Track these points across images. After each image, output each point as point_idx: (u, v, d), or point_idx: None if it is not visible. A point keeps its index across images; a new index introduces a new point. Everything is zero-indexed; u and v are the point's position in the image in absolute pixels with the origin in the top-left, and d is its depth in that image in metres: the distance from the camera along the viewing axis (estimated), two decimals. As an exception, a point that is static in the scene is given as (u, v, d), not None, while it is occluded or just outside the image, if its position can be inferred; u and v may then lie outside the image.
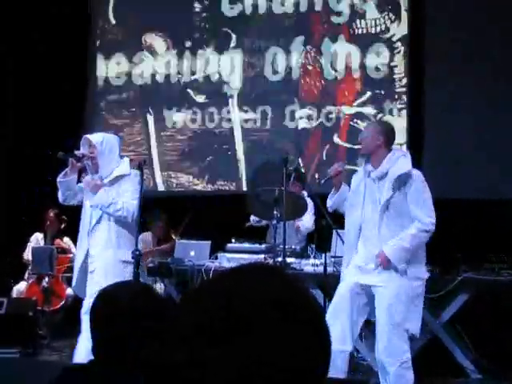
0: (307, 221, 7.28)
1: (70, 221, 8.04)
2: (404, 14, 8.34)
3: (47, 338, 7.24)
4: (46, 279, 7.62)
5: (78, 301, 7.61)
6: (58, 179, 5.51)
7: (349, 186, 5.19)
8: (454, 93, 8.01)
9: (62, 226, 8.13)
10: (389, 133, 5.13)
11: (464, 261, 6.56)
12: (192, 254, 6.96)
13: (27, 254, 8.02)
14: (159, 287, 7.33)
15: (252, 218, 7.31)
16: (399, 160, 4.96)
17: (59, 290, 7.78)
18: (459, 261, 6.55)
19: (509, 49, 7.82)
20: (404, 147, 7.95)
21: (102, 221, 5.48)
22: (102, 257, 5.41)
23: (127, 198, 5.44)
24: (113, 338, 2.15)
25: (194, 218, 8.07)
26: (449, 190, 7.72)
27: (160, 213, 8.26)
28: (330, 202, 5.28)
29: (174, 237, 8.07)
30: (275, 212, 6.18)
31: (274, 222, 6.38)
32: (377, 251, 4.85)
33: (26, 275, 7.97)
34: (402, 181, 4.87)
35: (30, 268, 7.87)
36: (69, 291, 7.79)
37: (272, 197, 6.24)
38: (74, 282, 5.66)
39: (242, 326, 1.04)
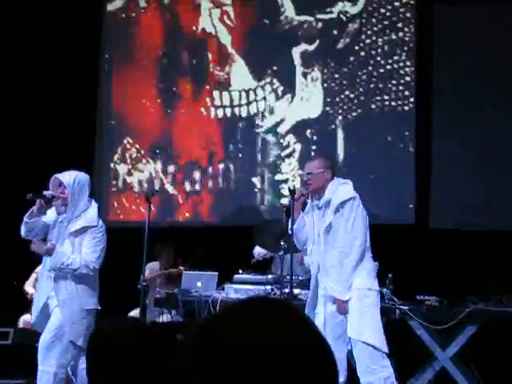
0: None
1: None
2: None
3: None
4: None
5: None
6: (25, 219, 5.36)
7: None
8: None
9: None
10: (334, 165, 5.46)
11: (472, 292, 6.54)
12: (199, 284, 6.94)
13: (28, 286, 8.00)
14: (165, 318, 7.31)
15: (256, 252, 7.30)
16: (339, 188, 5.20)
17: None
18: (468, 292, 6.53)
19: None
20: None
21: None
22: (66, 304, 5.33)
23: (87, 250, 5.34)
24: (110, 374, 2.14)
25: (202, 249, 8.10)
26: (455, 221, 7.73)
27: (167, 244, 8.26)
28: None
29: (181, 268, 8.07)
30: (282, 243, 6.20)
31: (281, 253, 6.38)
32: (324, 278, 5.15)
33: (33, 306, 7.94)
34: (341, 207, 5.13)
35: (32, 297, 7.85)
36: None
37: (279, 228, 6.25)
38: (34, 320, 5.59)
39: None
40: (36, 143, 8.89)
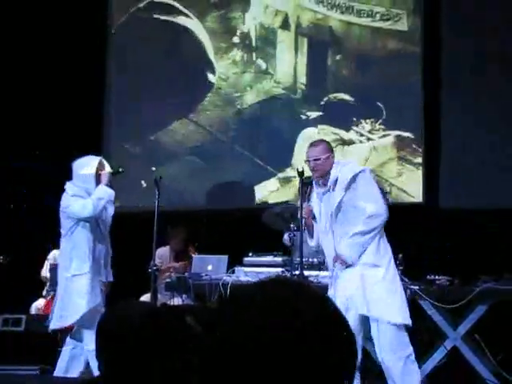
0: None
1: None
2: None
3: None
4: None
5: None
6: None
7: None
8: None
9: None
10: (331, 146, 5.47)
11: (483, 271, 6.53)
12: (209, 268, 6.96)
13: (45, 271, 8.05)
14: (176, 302, 7.33)
15: (285, 237, 7.32)
16: (345, 167, 5.27)
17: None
18: (478, 271, 6.53)
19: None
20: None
21: None
22: None
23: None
24: (120, 357, 2.15)
25: (211, 231, 8.11)
26: (467, 200, 7.70)
27: (179, 228, 8.25)
28: (313, 243, 5.53)
29: (191, 253, 8.06)
30: (292, 225, 6.20)
31: (292, 234, 6.38)
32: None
33: (44, 292, 7.99)
34: (352, 181, 5.16)
35: (47, 285, 7.89)
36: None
37: (289, 211, 6.27)
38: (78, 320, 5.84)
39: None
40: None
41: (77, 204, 5.81)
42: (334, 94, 8.65)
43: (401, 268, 6.35)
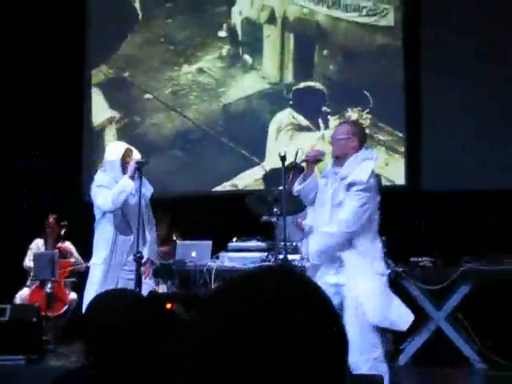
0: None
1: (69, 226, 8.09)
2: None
3: (52, 344, 7.24)
4: (49, 285, 7.62)
5: (81, 305, 7.66)
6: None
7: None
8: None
9: (62, 231, 8.12)
10: (361, 133, 5.11)
11: (466, 251, 6.58)
12: (193, 254, 6.97)
13: (28, 261, 8.02)
14: (162, 289, 7.34)
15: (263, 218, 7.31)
16: (359, 166, 4.91)
17: (62, 294, 7.77)
18: (461, 252, 6.57)
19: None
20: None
21: None
22: None
23: None
24: (108, 347, 2.15)
25: (194, 217, 8.10)
26: (449, 181, 7.73)
27: (162, 213, 8.23)
28: (298, 187, 5.19)
29: (174, 238, 8.06)
30: (275, 209, 6.19)
31: (275, 219, 6.38)
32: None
33: (28, 281, 7.97)
34: (350, 187, 4.88)
35: (31, 274, 7.87)
36: (72, 296, 7.80)
37: (272, 196, 6.26)
38: None
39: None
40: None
41: (99, 196, 5.79)
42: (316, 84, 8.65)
43: (384, 250, 6.37)
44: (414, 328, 6.51)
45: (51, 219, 8.05)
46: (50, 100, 9.08)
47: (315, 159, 5.16)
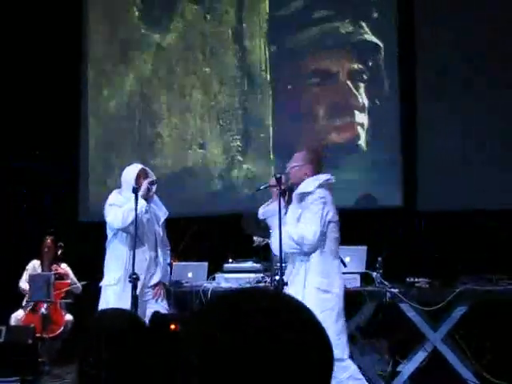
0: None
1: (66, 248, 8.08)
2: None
3: (48, 365, 7.21)
4: (45, 306, 7.60)
5: (76, 327, 7.64)
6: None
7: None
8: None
9: (59, 252, 8.11)
10: (315, 160, 5.29)
11: (462, 272, 6.57)
12: (190, 275, 6.96)
13: (23, 282, 8.00)
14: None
15: (256, 238, 7.31)
16: (304, 182, 5.12)
17: (58, 316, 7.75)
18: (458, 272, 6.56)
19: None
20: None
21: None
22: None
23: None
24: (96, 365, 2.14)
25: (191, 239, 8.08)
26: (445, 203, 7.73)
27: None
28: (261, 210, 5.41)
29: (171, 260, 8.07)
30: (270, 231, 6.19)
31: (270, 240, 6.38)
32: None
33: (24, 303, 7.94)
34: (302, 198, 5.06)
35: (26, 296, 7.85)
36: (68, 317, 7.78)
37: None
38: None
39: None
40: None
41: (110, 214, 5.85)
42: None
43: (380, 271, 6.38)
44: (411, 349, 6.52)
45: (48, 240, 8.05)
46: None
47: (274, 184, 5.30)
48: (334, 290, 5.06)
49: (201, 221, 8.54)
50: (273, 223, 5.29)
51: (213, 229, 8.25)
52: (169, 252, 6.24)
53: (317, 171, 5.22)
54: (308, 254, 5.06)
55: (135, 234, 5.71)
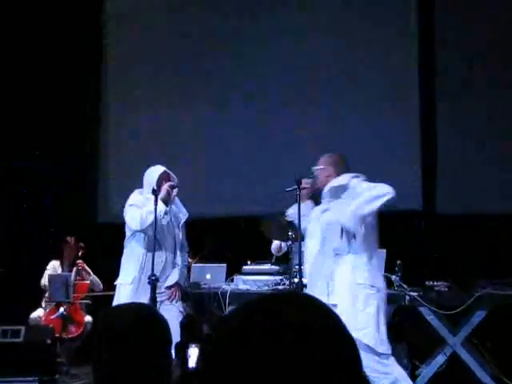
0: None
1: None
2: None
3: (66, 366, 7.24)
4: (64, 306, 7.64)
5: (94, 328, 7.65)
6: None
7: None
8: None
9: (80, 253, 8.14)
10: (337, 163, 5.26)
11: (482, 276, 6.53)
12: (208, 277, 6.96)
13: (44, 280, 8.04)
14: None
15: (273, 249, 7.31)
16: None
17: (77, 317, 7.78)
18: (477, 276, 6.53)
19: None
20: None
21: None
22: None
23: None
24: (112, 359, 2.15)
25: (209, 240, 8.10)
26: (464, 206, 7.70)
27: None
28: (290, 211, 5.43)
29: (190, 261, 8.08)
30: (290, 233, 6.21)
31: (290, 243, 6.39)
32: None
33: (43, 304, 7.98)
34: (336, 192, 5.06)
35: (46, 295, 7.89)
36: (87, 318, 7.80)
37: (286, 219, 6.27)
38: None
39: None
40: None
41: (128, 214, 5.87)
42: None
43: (399, 274, 6.36)
44: (430, 353, 6.49)
45: (72, 240, 8.08)
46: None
47: (303, 187, 5.30)
48: (378, 284, 5.05)
49: (221, 222, 8.55)
50: (303, 224, 5.28)
51: (232, 231, 8.26)
52: (187, 254, 6.25)
53: (339, 173, 5.22)
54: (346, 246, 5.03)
55: (154, 237, 5.72)
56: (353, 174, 5.19)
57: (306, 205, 5.33)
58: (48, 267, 8.21)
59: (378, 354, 4.82)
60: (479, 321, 6.26)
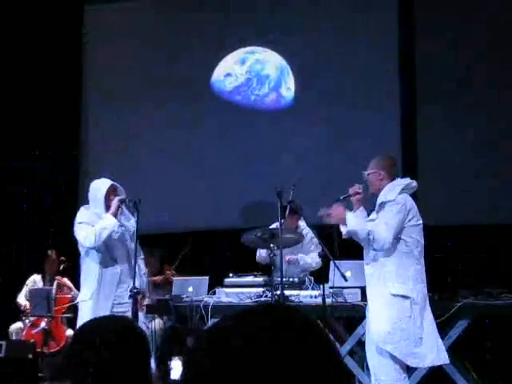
0: (314, 259, 7.21)
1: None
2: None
3: (47, 381, 7.18)
4: (45, 321, 7.59)
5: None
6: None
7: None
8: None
9: (61, 266, 8.11)
10: (389, 166, 5.18)
11: (463, 286, 6.56)
12: (190, 289, 6.94)
13: (22, 298, 8.00)
14: (158, 324, 7.34)
15: (258, 256, 7.30)
16: (390, 186, 5.06)
17: (59, 331, 7.74)
18: (458, 286, 6.55)
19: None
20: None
21: None
22: None
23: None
24: (93, 372, 2.14)
25: (190, 253, 8.08)
26: (447, 216, 7.73)
27: (153, 249, 8.24)
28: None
29: (168, 272, 8.12)
30: (272, 245, 6.21)
31: (271, 254, 6.38)
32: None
33: (26, 321, 7.91)
34: (383, 207, 5.01)
35: (25, 311, 7.84)
36: (69, 332, 7.76)
37: (268, 232, 6.28)
38: None
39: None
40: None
41: (81, 233, 5.79)
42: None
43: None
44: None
45: (53, 254, 8.05)
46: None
47: (354, 193, 5.22)
48: (412, 295, 5.01)
49: (201, 235, 8.55)
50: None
51: (214, 243, 8.25)
52: (142, 261, 6.18)
53: (392, 176, 5.17)
54: (381, 255, 5.02)
55: (107, 251, 5.74)
56: (402, 185, 5.10)
57: (360, 212, 5.24)
58: (27, 282, 8.17)
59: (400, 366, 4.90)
60: (461, 331, 6.27)
